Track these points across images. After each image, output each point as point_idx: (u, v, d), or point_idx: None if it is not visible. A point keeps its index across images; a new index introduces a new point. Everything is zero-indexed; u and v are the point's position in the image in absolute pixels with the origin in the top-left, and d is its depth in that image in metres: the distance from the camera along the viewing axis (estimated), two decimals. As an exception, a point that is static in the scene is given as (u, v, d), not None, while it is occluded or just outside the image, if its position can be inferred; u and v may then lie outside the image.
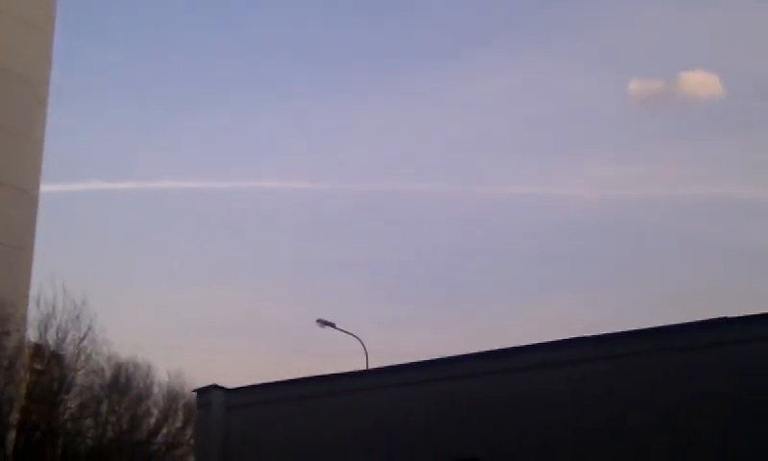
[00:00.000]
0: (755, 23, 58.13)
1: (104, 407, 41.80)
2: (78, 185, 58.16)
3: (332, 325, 36.02)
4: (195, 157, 66.74)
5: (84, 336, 39.01)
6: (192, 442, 37.88)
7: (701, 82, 59.33)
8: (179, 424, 43.37)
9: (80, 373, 40.00)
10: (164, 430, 43.43)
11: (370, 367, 31.80)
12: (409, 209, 63.72)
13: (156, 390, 43.82)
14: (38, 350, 38.68)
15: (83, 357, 39.58)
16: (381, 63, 67.20)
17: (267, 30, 67.44)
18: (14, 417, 35.03)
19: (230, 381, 17.60)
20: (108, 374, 41.90)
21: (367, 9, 65.49)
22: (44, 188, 41.94)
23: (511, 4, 63.31)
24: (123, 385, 42.38)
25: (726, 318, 13.14)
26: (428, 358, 15.78)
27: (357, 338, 36.11)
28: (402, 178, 65.26)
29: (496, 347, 15.02)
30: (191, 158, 66.00)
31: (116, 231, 61.62)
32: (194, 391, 20.21)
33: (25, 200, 40.76)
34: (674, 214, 58.61)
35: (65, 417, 38.83)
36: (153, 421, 43.67)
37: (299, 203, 64.80)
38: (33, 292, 38.35)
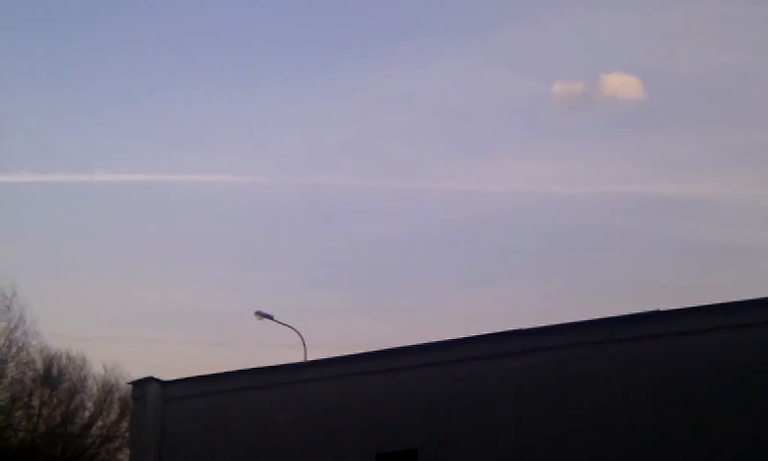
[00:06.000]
0: (671, 26, 59.59)
1: (35, 400, 41.18)
2: (6, 177, 57.10)
3: (270, 317, 35.90)
4: (125, 149, 65.89)
5: (15, 328, 38.43)
6: (127, 435, 37.51)
7: (621, 83, 60.76)
8: (113, 418, 42.94)
9: (10, 365, 39.38)
10: (99, 423, 42.96)
11: (308, 359, 31.76)
12: (340, 202, 63.83)
13: (90, 382, 43.32)
14: (-32, 341, 37.99)
15: (14, 349, 38.97)
16: (308, 56, 67.13)
17: (195, 21, 66.79)
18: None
19: (168, 374, 17.41)
20: (39, 366, 41.30)
21: (294, 1, 65.37)
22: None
23: (436, 1, 63.84)
24: (55, 378, 41.79)
25: (659, 311, 13.36)
26: (367, 350, 15.78)
27: (295, 330, 36.08)
28: (332, 171, 65.33)
29: (435, 339, 15.07)
30: (121, 151, 65.17)
31: (46, 223, 60.64)
32: (129, 383, 19.97)
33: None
34: (596, 210, 59.77)
35: (-4, 410, 38.18)
36: (87, 414, 43.15)
37: (233, 195, 64.42)
38: (-39, 284, 37.60)
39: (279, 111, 65.64)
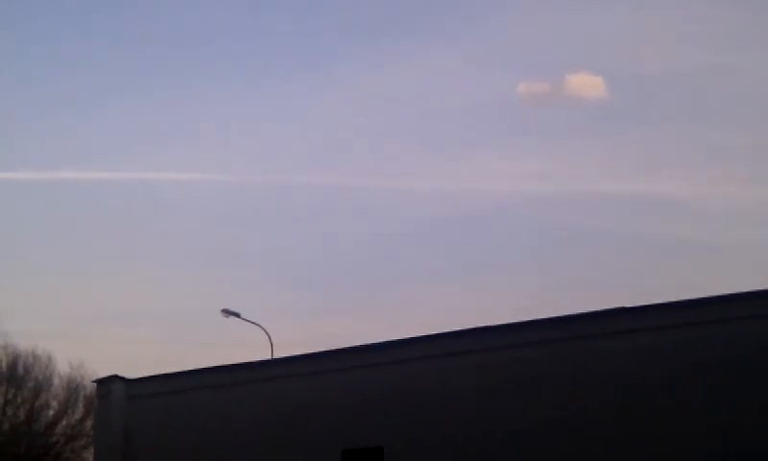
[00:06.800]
0: (635, 26, 60.22)
1: (0, 398, 40.83)
2: (-29, 174, 56.43)
3: (237, 314, 35.70)
4: (93, 147, 65.29)
5: (-20, 326, 38.03)
6: (92, 434, 37.23)
7: (586, 83, 61.34)
8: (79, 416, 42.61)
9: (-25, 363, 39.00)
10: (63, 422, 42.61)
11: (275, 357, 31.67)
12: (312, 201, 63.76)
13: (55, 381, 42.98)
14: (-69, 339, 37.60)
15: (-22, 347, 38.59)
16: (284, 54, 67.03)
17: (167, 18, 66.35)
18: None
19: (134, 372, 17.32)
20: (4, 364, 40.98)
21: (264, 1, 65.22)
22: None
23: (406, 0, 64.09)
24: (20, 376, 41.46)
25: (621, 308, 13.47)
26: (334, 348, 15.79)
27: (262, 328, 35.92)
28: (305, 169, 65.26)
29: (401, 336, 15.12)
30: (89, 149, 64.51)
31: (12, 221, 59.97)
32: (94, 381, 19.86)
33: None
34: (566, 208, 60.21)
35: (-40, 408, 37.81)
36: (51, 412, 42.82)
37: (201, 193, 64.04)
38: (-75, 280, 37.16)
39: (252, 109, 65.38)
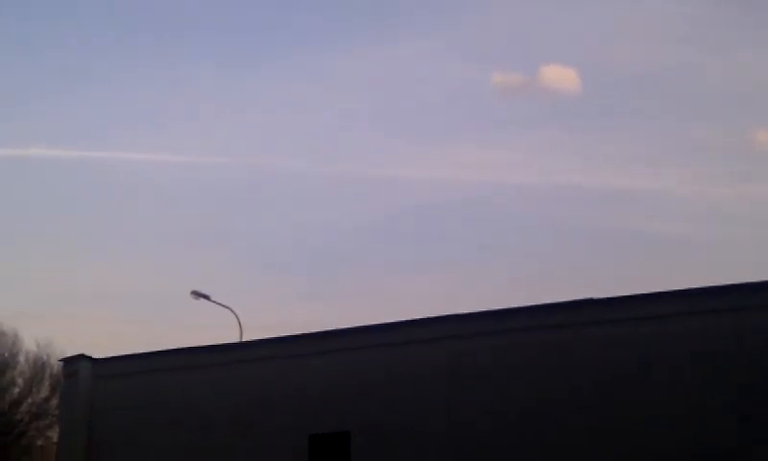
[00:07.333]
0: (610, 20, 60.48)
1: (-36, 376, 40.52)
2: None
3: (207, 297, 35.58)
4: (64, 126, 64.75)
5: (-54, 302, 37.67)
6: (57, 412, 36.99)
7: (559, 76, 61.55)
8: (44, 395, 42.41)
9: (-61, 339, 38.63)
10: (29, 400, 42.38)
11: (244, 340, 31.57)
12: (285, 186, 63.66)
13: (21, 359, 42.71)
14: None
15: (-58, 324, 38.23)
16: (259, 38, 66.69)
17: (145, 1, 65.83)
18: None
19: (102, 352, 17.18)
20: (-31, 341, 40.65)
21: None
22: None
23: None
24: (-15, 354, 41.17)
25: (592, 299, 13.52)
26: (303, 332, 15.74)
27: (232, 310, 35.82)
28: (277, 154, 65.10)
29: (373, 322, 15.08)
30: (60, 128, 64.00)
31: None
32: (61, 360, 19.71)
33: None
34: (537, 200, 60.56)
35: None
36: (17, 390, 42.56)
37: (173, 175, 63.72)
38: None
39: (229, 92, 65.11)
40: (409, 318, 14.64)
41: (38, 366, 42.44)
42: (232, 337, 32.99)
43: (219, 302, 35.80)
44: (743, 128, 61.63)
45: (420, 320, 14.47)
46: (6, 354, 41.96)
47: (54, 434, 39.34)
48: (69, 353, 17.92)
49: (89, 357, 16.89)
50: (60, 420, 24.57)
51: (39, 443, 42.34)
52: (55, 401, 40.19)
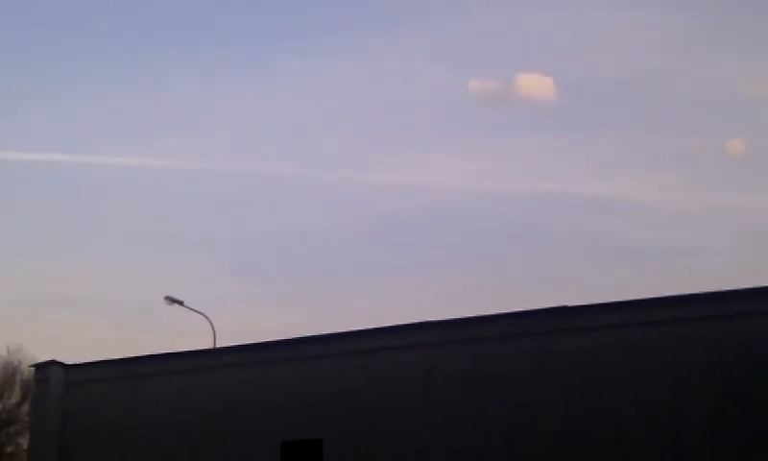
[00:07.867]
0: (586, 29, 61.01)
1: (-67, 381, 40.07)
2: None
3: (180, 302, 35.47)
4: (36, 130, 64.45)
5: None
6: (28, 419, 36.62)
7: (535, 84, 62.10)
8: (15, 400, 42.05)
9: None
10: (-1, 406, 41.95)
11: (217, 346, 31.38)
12: (262, 191, 63.61)
13: (-8, 365, 42.29)
14: None
15: None
16: (236, 43, 66.77)
17: (119, 3, 65.64)
18: None
19: (75, 358, 17.09)
20: (-61, 346, 40.21)
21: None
22: None
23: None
24: (-45, 359, 40.73)
25: (569, 306, 13.49)
26: (277, 339, 15.66)
27: (206, 317, 35.68)
28: (254, 159, 65.06)
29: (348, 329, 15.01)
30: (32, 131, 63.65)
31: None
32: (32, 366, 19.52)
33: None
34: (513, 207, 60.96)
35: None
36: (-13, 396, 42.13)
37: (147, 179, 63.49)
38: None
39: (204, 97, 65.07)
40: (384, 325, 14.59)
41: (9, 371, 42.10)
42: (206, 343, 32.90)
43: (193, 307, 35.66)
44: (721, 135, 62.26)
45: (396, 327, 14.41)
46: (-24, 360, 41.54)
47: (24, 441, 38.97)
48: (40, 359, 17.75)
49: (61, 363, 16.75)
50: (30, 426, 24.33)
51: (9, 449, 41.96)
52: (26, 408, 39.85)
